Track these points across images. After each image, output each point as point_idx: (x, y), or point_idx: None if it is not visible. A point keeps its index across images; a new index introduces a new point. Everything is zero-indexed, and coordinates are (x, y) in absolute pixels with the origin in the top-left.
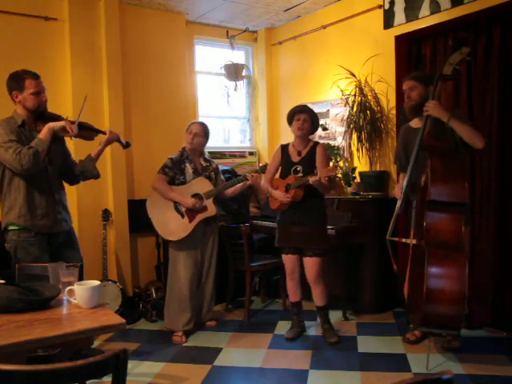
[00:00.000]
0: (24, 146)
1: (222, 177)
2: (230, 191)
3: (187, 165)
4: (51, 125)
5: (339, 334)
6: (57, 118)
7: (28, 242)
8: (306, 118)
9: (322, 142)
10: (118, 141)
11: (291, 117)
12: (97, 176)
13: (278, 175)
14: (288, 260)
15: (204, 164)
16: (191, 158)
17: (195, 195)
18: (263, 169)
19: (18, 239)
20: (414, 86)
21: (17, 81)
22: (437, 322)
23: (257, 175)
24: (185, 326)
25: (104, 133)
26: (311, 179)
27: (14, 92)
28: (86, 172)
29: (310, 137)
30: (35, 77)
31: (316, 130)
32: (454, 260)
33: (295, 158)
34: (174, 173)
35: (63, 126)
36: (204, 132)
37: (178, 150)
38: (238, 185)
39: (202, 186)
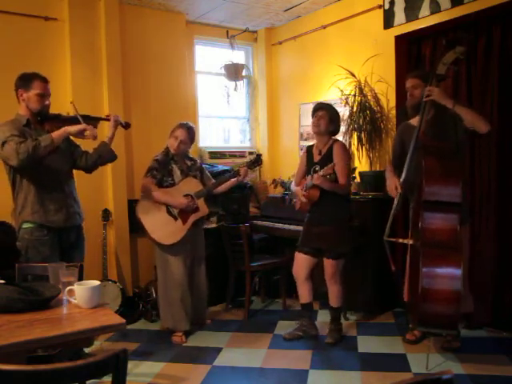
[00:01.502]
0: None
1: (208, 173)
2: (221, 188)
3: (174, 166)
4: (68, 129)
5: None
6: (57, 116)
7: (40, 242)
8: (322, 115)
9: None
10: (120, 123)
11: (312, 115)
12: (114, 157)
13: None
14: (299, 259)
15: (189, 163)
16: (176, 158)
17: (186, 196)
18: (253, 163)
19: (30, 238)
20: (418, 85)
21: (25, 79)
22: (434, 321)
23: (246, 169)
24: (185, 327)
25: (107, 119)
26: (315, 178)
27: (19, 90)
28: (103, 156)
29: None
30: (44, 80)
31: (337, 128)
32: (450, 259)
33: (316, 158)
34: (161, 175)
35: (81, 129)
36: (190, 138)
37: (162, 151)
38: (230, 180)
39: (192, 186)
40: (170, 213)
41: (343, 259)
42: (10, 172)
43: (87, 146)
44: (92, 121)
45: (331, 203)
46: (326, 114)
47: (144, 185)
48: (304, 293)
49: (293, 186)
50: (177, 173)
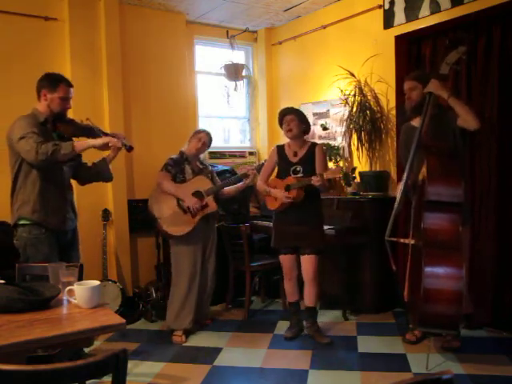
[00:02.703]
0: (47, 141)
1: (218, 179)
2: (228, 191)
3: (186, 166)
4: (92, 142)
5: (340, 334)
6: (71, 121)
7: (38, 240)
8: (291, 119)
9: (321, 142)
10: (124, 145)
11: (280, 122)
12: (111, 178)
13: (273, 176)
14: (286, 260)
15: (201, 166)
16: (190, 160)
17: (196, 192)
18: (260, 167)
19: (28, 236)
20: (415, 87)
21: (52, 81)
22: (435, 321)
23: (255, 172)
24: (187, 325)
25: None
26: (315, 180)
27: (43, 90)
28: (101, 174)
29: (309, 138)
30: (69, 84)
31: (308, 128)
32: (451, 260)
33: (293, 159)
34: (175, 171)
35: (105, 143)
36: (209, 142)
37: (177, 154)
38: (238, 184)
39: (202, 183)
40: (180, 206)
41: (320, 255)
42: (15, 166)
43: (85, 158)
44: (100, 135)
45: (308, 204)
46: (294, 117)
47: (159, 177)
48: (293, 291)
49: (262, 184)
50: (188, 172)
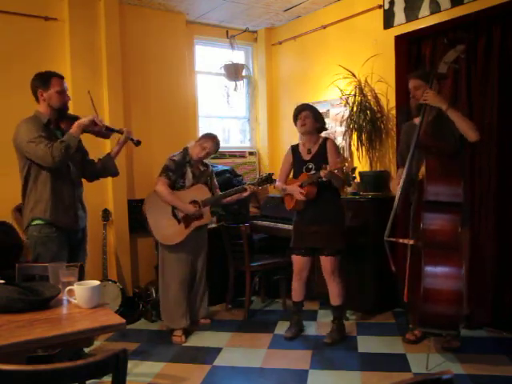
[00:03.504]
0: (54, 141)
1: (216, 182)
2: (226, 200)
3: (188, 169)
4: (80, 121)
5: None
6: (76, 118)
7: (48, 238)
8: (306, 115)
9: None
10: (131, 139)
11: (295, 118)
12: (117, 173)
13: (291, 176)
14: (297, 261)
15: (202, 169)
16: (192, 162)
17: (193, 202)
18: (262, 181)
19: (38, 235)
20: (419, 86)
21: (43, 79)
22: (435, 321)
23: (252, 188)
24: (185, 324)
25: (121, 132)
26: (322, 173)
27: (39, 90)
28: (107, 169)
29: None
30: (61, 77)
31: (322, 125)
32: (451, 260)
33: (306, 157)
34: (176, 176)
35: (91, 119)
36: (217, 151)
37: (180, 152)
38: (235, 195)
39: (201, 193)
40: (174, 215)
41: (340, 255)
42: (24, 169)
43: (91, 155)
44: (106, 130)
45: (326, 201)
46: (309, 113)
47: (157, 184)
48: (300, 291)
49: (281, 185)
50: (189, 176)
